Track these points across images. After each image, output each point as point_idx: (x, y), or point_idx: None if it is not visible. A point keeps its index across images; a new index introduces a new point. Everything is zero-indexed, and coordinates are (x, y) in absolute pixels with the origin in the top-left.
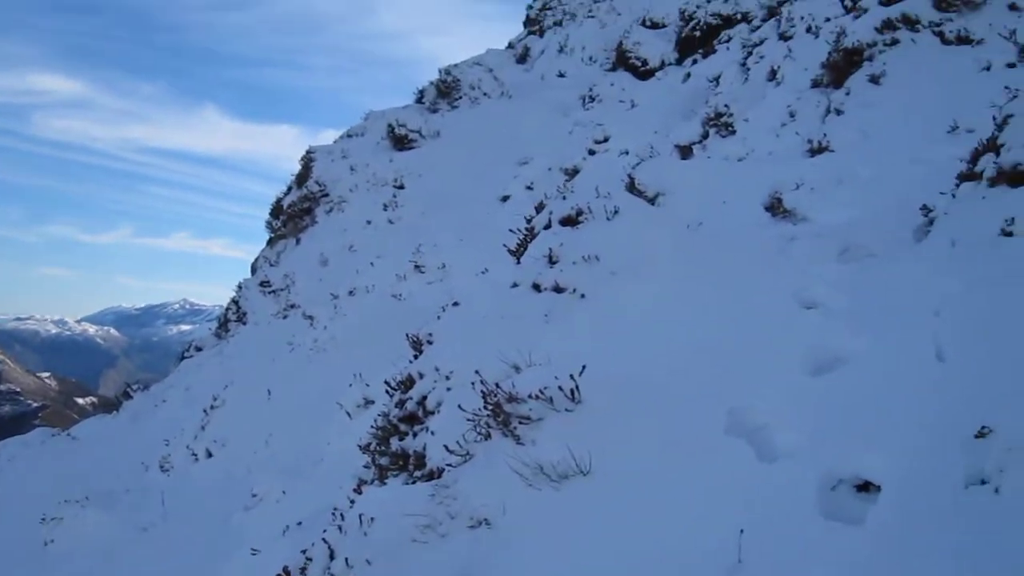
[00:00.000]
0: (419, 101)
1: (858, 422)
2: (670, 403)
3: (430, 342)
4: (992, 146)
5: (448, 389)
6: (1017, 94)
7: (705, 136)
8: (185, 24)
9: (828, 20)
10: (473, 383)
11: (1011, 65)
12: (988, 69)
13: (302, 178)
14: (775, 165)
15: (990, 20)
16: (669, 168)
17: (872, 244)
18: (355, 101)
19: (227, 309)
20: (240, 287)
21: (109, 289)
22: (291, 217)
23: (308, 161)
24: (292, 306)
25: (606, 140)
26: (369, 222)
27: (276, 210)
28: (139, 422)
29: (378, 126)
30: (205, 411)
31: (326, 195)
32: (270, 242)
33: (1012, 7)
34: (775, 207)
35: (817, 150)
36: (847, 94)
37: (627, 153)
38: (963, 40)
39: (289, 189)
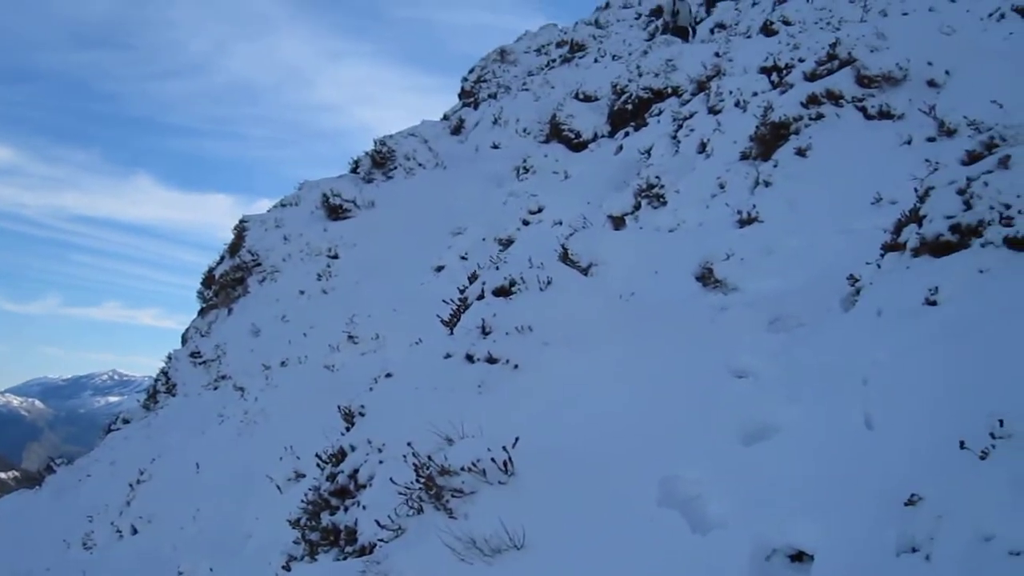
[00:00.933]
0: (354, 171)
1: (790, 491)
2: (604, 475)
3: (362, 414)
4: (915, 217)
5: (380, 462)
6: (937, 167)
7: (637, 207)
8: (122, 93)
9: (755, 95)
10: (405, 456)
11: (931, 139)
12: (909, 143)
13: (235, 248)
14: (706, 236)
15: (910, 96)
16: (602, 239)
17: (801, 313)
18: (291, 171)
19: (156, 380)
20: (170, 358)
21: (35, 359)
22: (223, 287)
23: (241, 230)
24: (223, 377)
25: (540, 211)
26: (302, 292)
27: (208, 280)
28: (62, 498)
29: (312, 196)
30: (131, 485)
31: (259, 265)
32: (201, 312)
33: (931, 83)
34: (706, 277)
35: (746, 221)
36: (775, 166)
37: (561, 223)
38: (885, 115)
39: (221, 259)
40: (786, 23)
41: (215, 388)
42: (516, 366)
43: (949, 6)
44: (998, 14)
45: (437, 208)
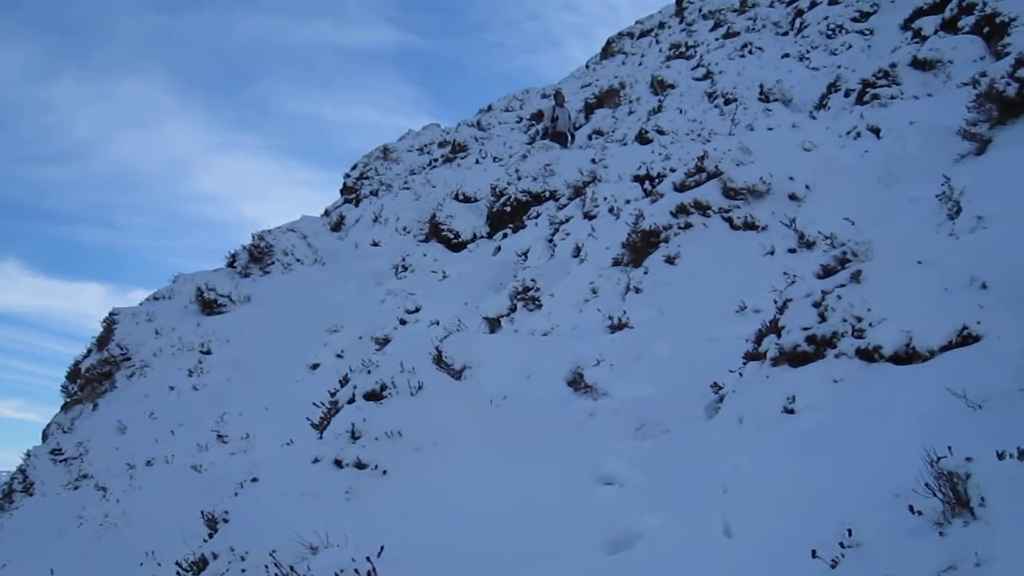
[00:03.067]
0: (231, 265)
1: None
2: None
3: (226, 520)
4: (774, 328)
5: (243, 571)
6: (795, 280)
7: (513, 309)
8: None
9: (628, 202)
10: (267, 565)
11: (792, 250)
12: (772, 253)
13: (103, 340)
14: (578, 340)
15: (773, 208)
16: (476, 341)
17: (667, 420)
18: (169, 262)
19: (12, 478)
20: (28, 455)
21: None
22: (89, 381)
23: (111, 323)
24: (84, 476)
25: (417, 310)
26: (172, 388)
27: (73, 373)
28: None
29: (187, 289)
30: None
31: (128, 359)
32: (65, 407)
33: (792, 197)
34: (577, 382)
35: (617, 326)
36: (645, 273)
37: (438, 323)
38: (750, 226)
39: (89, 351)
40: (660, 132)
41: (76, 488)
42: (385, 472)
43: (811, 123)
44: (855, 132)
45: (315, 305)
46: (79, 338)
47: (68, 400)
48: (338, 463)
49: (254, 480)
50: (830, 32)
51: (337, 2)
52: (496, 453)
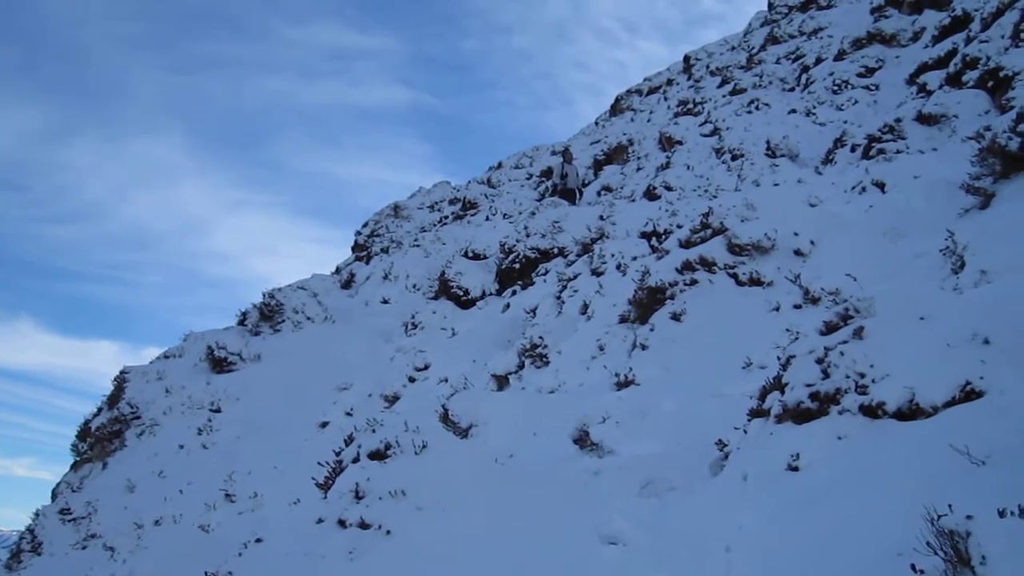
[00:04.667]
0: (241, 323)
1: None
2: None
3: None
4: (778, 385)
5: None
6: (798, 336)
7: (521, 366)
8: (8, 234)
9: (635, 259)
10: None
11: (797, 306)
12: (777, 309)
13: (114, 399)
14: (584, 398)
15: (778, 264)
16: (483, 399)
17: (673, 477)
18: (181, 319)
19: (21, 538)
20: (37, 514)
21: None
22: (99, 440)
23: (121, 382)
24: (92, 536)
25: (426, 367)
26: (182, 447)
27: (83, 432)
28: None
29: (197, 347)
30: None
31: (138, 417)
32: (74, 466)
33: (797, 252)
34: (583, 440)
35: (623, 384)
36: (651, 330)
37: (446, 380)
38: (755, 282)
39: (99, 410)
40: (668, 188)
41: (83, 548)
42: (388, 532)
43: (817, 178)
44: (860, 187)
45: (324, 363)
46: (91, 396)
47: (78, 459)
48: (342, 523)
49: (258, 541)
50: (836, 88)
51: (350, 64)
52: (500, 512)
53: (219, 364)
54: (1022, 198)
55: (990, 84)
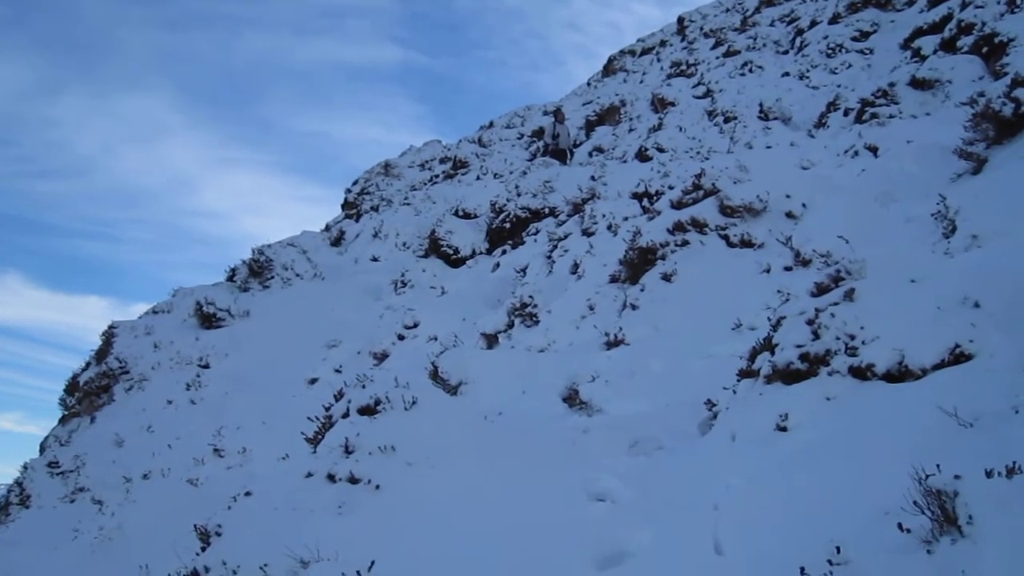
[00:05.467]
0: (230, 279)
1: None
2: None
3: (219, 534)
4: (768, 345)
5: None
6: (789, 298)
7: (511, 325)
8: None
9: (626, 219)
10: None
11: (788, 268)
12: (768, 271)
13: (102, 354)
14: (574, 357)
15: (769, 226)
16: (473, 357)
17: (661, 437)
18: (171, 276)
19: (9, 491)
20: (26, 467)
21: None
22: (87, 395)
23: (109, 336)
24: (81, 489)
25: (416, 325)
26: (170, 402)
27: (71, 387)
28: None
29: (186, 303)
30: None
31: (126, 372)
32: (63, 420)
33: (789, 215)
34: (572, 399)
35: (613, 343)
36: (642, 290)
37: (436, 339)
38: (746, 244)
39: (88, 365)
40: (660, 150)
41: (72, 501)
42: (378, 487)
43: (809, 142)
44: (852, 151)
45: (314, 319)
46: (80, 351)
47: (66, 413)
48: (331, 477)
49: (247, 494)
50: (830, 51)
51: (340, 21)
52: (489, 468)
53: (208, 320)
54: (1015, 163)
55: (984, 50)
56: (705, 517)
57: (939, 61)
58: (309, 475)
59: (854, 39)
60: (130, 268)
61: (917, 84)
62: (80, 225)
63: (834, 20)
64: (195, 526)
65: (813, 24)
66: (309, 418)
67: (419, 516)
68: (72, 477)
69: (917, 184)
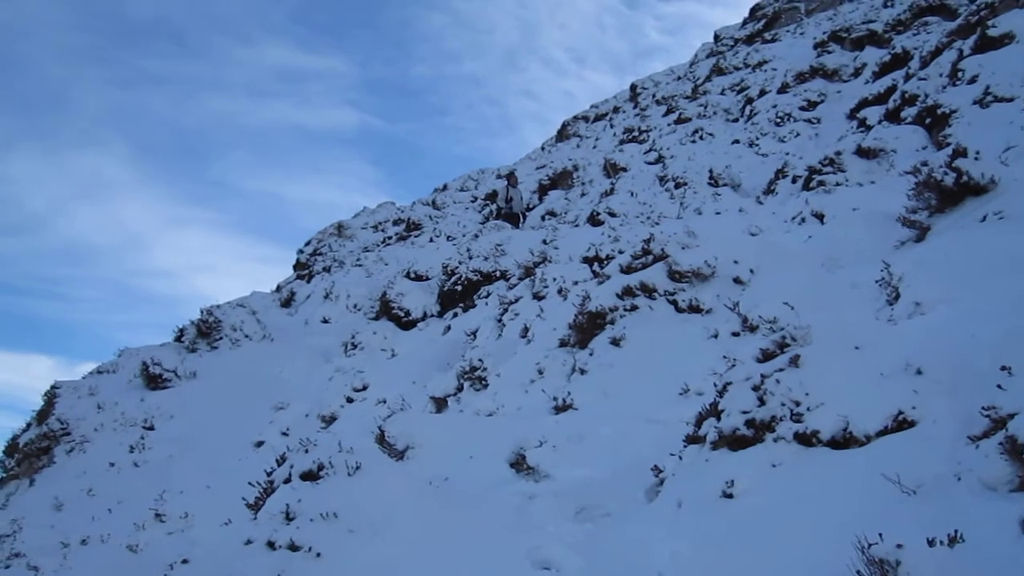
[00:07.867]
0: (178, 340)
1: None
2: None
3: None
4: (714, 411)
5: None
6: (735, 363)
7: (460, 388)
8: None
9: (577, 283)
10: None
11: (735, 334)
12: (716, 336)
13: (43, 415)
14: (522, 421)
15: (718, 291)
16: (420, 422)
17: (608, 503)
18: (119, 335)
19: None
20: None
21: None
22: (27, 456)
23: (52, 397)
24: (16, 555)
25: (365, 388)
26: (113, 464)
27: (11, 448)
28: None
29: (132, 363)
30: None
31: (68, 434)
32: (1, 483)
33: (736, 280)
34: (519, 464)
35: (561, 408)
36: (591, 355)
37: (385, 402)
38: (694, 309)
39: (28, 426)
40: (611, 214)
41: (7, 567)
42: (318, 554)
43: (758, 208)
44: (800, 217)
45: (262, 381)
46: (22, 411)
47: (4, 476)
48: (271, 545)
49: (184, 562)
50: (779, 120)
51: (297, 85)
52: (433, 536)
53: (154, 381)
54: (956, 232)
55: (928, 120)
56: None
57: (884, 131)
58: (249, 542)
59: (802, 108)
60: (78, 327)
61: (863, 153)
62: (28, 283)
63: (783, 90)
64: None
65: (762, 93)
66: (250, 483)
67: None
68: (8, 542)
69: (862, 250)
